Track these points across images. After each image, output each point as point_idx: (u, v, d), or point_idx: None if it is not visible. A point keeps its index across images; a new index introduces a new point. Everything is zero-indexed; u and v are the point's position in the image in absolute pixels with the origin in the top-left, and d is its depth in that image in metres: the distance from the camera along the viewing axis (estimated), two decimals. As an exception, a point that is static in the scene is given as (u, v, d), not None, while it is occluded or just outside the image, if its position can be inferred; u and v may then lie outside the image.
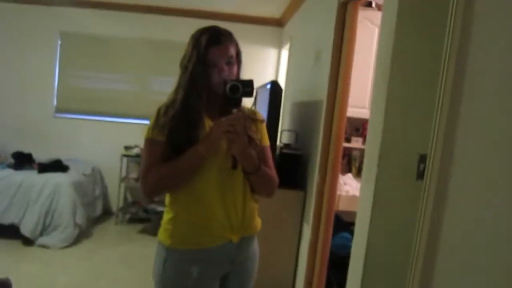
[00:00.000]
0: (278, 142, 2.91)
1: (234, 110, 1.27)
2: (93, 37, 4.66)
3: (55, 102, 4.73)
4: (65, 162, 4.14)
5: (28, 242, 3.60)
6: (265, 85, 2.70)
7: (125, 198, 4.77)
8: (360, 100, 2.82)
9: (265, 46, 4.75)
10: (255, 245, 1.49)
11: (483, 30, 1.05)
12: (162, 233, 1.38)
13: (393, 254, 1.47)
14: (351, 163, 3.41)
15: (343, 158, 3.14)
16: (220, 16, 4.24)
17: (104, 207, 4.55)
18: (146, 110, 1.78)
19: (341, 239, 2.75)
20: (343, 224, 2.84)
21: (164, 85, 4.60)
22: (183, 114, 1.30)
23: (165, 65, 4.55)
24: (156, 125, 1.32)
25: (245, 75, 1.41)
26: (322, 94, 2.53)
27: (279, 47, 4.72)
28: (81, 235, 3.83)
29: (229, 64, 1.33)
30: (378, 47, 1.83)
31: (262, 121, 1.49)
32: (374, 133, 1.64)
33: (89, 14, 4.60)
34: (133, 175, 4.59)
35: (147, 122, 1.38)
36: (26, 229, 3.60)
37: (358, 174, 3.21)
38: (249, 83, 1.29)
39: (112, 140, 4.61)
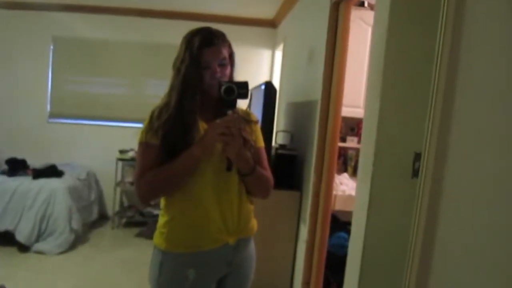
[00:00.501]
0: (273, 143, 2.90)
1: (229, 112, 1.26)
2: (86, 41, 4.64)
3: (48, 107, 4.70)
4: (60, 167, 4.11)
5: (23, 248, 3.57)
6: (260, 86, 2.70)
7: (121, 202, 4.75)
8: (355, 99, 2.83)
9: (259, 47, 4.75)
10: (252, 247, 1.48)
11: (474, 28, 1.06)
12: (157, 237, 1.37)
13: (390, 252, 1.47)
14: (347, 162, 3.41)
15: (338, 157, 3.15)
16: (213, 18, 4.23)
17: (100, 212, 4.53)
18: (141, 114, 1.77)
19: (338, 239, 2.76)
20: (340, 224, 2.85)
21: (158, 88, 4.56)
22: (178, 117, 1.29)
23: (159, 68, 4.52)
24: (149, 128, 1.31)
25: (239, 76, 1.40)
26: (316, 94, 2.54)
27: (273, 48, 4.72)
28: (77, 240, 3.81)
29: (222, 65, 1.33)
30: (371, 47, 1.83)
31: (256, 122, 1.48)
32: (369, 132, 1.64)
33: (81, 19, 4.57)
34: (129, 179, 4.56)
35: (141, 125, 1.37)
36: (21, 236, 3.56)
37: (354, 173, 3.21)
38: (244, 84, 1.29)
39: (106, 144, 4.58)
